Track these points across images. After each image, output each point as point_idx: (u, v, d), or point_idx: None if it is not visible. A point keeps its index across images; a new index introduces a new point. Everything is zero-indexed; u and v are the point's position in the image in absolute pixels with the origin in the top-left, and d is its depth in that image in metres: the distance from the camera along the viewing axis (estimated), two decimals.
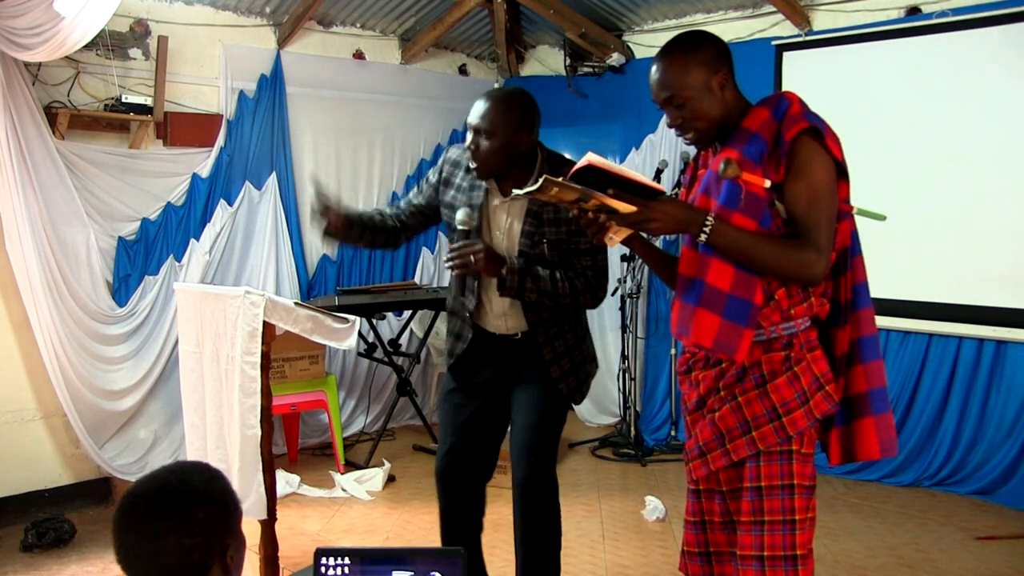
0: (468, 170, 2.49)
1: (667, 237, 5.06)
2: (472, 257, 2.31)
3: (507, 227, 2.46)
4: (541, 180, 1.71)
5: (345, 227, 2.44)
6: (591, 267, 2.43)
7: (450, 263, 2.35)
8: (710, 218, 1.77)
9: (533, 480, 2.52)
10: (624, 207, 1.76)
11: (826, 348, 1.89)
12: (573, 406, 2.63)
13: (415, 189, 2.66)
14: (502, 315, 2.52)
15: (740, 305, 1.79)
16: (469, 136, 2.39)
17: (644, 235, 1.97)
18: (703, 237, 1.78)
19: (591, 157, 1.76)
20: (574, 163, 2.41)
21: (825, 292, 1.88)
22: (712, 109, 1.86)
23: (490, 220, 2.49)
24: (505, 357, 2.56)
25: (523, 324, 2.49)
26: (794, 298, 1.83)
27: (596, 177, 1.77)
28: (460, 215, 2.41)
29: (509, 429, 2.62)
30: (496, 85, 5.85)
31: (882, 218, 1.92)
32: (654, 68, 1.89)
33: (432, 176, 2.60)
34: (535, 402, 2.52)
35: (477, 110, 2.37)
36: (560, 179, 1.74)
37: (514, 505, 2.57)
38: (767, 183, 1.77)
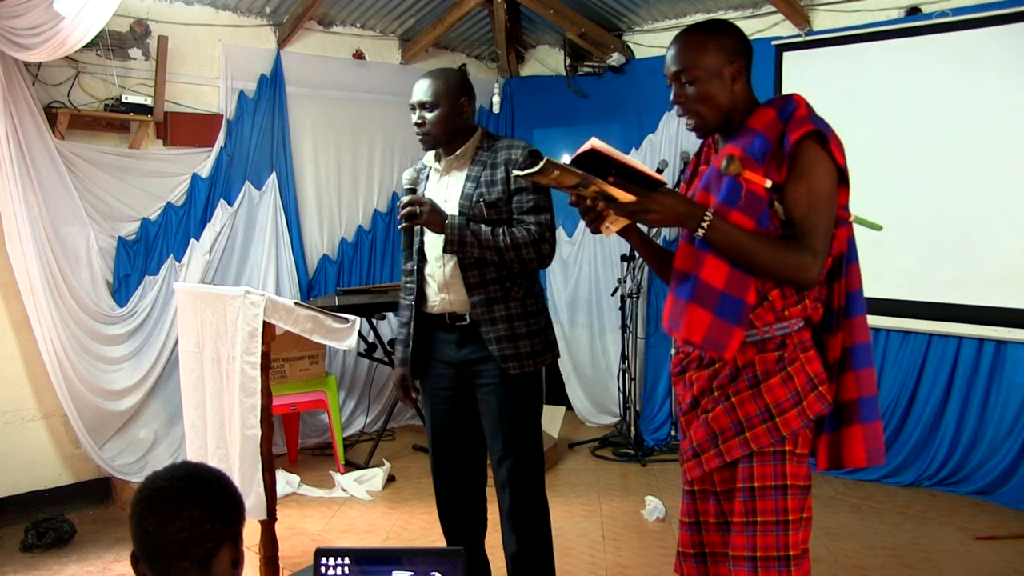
0: (415, 175, 2.60)
1: (667, 237, 5.07)
2: (418, 208, 2.43)
3: (446, 198, 2.55)
4: (543, 162, 1.66)
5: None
6: (534, 223, 2.47)
7: (399, 216, 2.48)
8: (708, 213, 1.76)
9: (513, 481, 2.54)
10: (623, 196, 1.74)
11: (819, 354, 1.88)
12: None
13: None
14: (444, 287, 2.53)
15: (733, 303, 1.78)
16: (415, 114, 2.53)
17: (642, 228, 1.96)
18: (700, 232, 1.77)
19: (595, 142, 1.73)
20: (508, 138, 2.57)
21: (820, 295, 1.87)
22: (718, 96, 1.84)
23: (434, 197, 2.57)
24: (456, 352, 2.56)
25: (465, 300, 2.51)
26: (788, 299, 1.82)
27: (598, 164, 1.74)
28: (406, 174, 2.56)
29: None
30: (496, 85, 5.86)
31: (878, 228, 1.92)
32: (673, 43, 1.89)
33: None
34: (494, 403, 2.52)
35: (418, 87, 2.54)
36: (562, 162, 1.69)
37: (500, 505, 2.59)
38: (768, 183, 1.77)
